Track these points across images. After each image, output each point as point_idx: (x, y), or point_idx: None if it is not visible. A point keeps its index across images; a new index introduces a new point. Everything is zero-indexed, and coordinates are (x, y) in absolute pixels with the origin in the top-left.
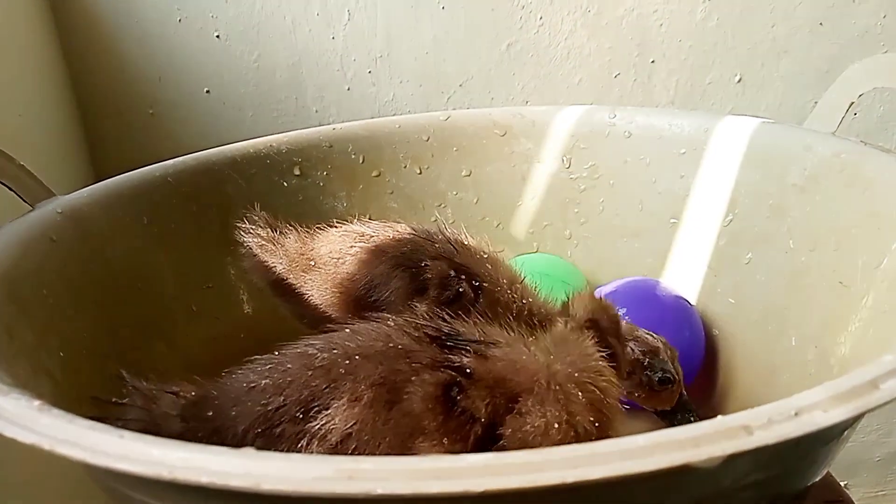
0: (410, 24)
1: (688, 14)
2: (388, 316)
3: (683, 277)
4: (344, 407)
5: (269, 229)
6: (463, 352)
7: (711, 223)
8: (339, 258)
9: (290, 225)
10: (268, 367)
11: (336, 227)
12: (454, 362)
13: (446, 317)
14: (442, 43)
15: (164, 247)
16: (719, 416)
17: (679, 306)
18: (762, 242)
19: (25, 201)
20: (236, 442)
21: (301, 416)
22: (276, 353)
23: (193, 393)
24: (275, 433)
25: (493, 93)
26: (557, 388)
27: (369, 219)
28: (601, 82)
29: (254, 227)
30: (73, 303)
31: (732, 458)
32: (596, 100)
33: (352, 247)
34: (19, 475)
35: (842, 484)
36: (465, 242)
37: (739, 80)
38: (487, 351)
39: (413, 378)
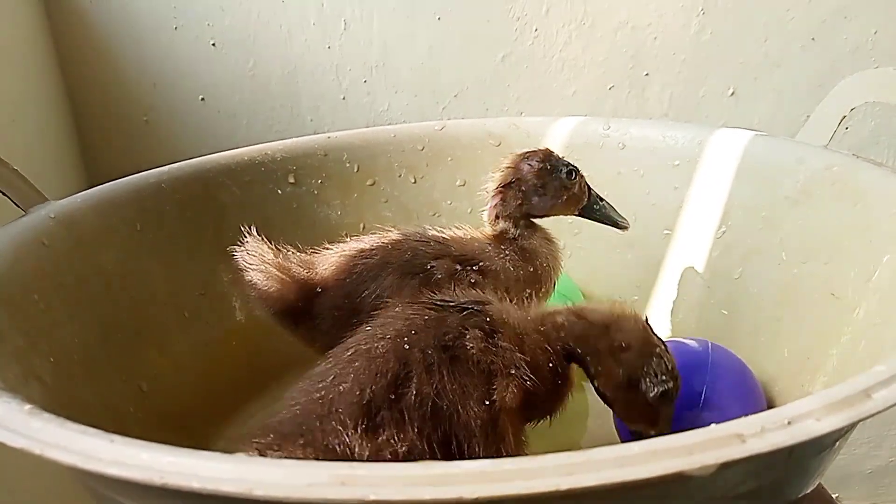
0: (406, 34)
1: (682, 28)
2: (393, 304)
3: (676, 289)
4: (424, 373)
5: (274, 258)
6: (473, 311)
7: (704, 235)
8: (345, 278)
9: (291, 249)
10: (330, 378)
11: (329, 248)
12: (476, 317)
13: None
14: (437, 53)
15: (156, 253)
16: (713, 425)
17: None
18: (755, 254)
19: (18, 206)
20: (343, 456)
21: (393, 396)
22: (317, 372)
23: (270, 435)
24: (375, 422)
25: (488, 103)
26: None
27: (363, 228)
28: (595, 94)
29: (258, 256)
30: (64, 308)
31: (725, 467)
32: (590, 111)
33: (355, 265)
34: (6, 479)
35: (833, 496)
36: (452, 234)
37: (733, 94)
38: (488, 306)
39: (459, 335)
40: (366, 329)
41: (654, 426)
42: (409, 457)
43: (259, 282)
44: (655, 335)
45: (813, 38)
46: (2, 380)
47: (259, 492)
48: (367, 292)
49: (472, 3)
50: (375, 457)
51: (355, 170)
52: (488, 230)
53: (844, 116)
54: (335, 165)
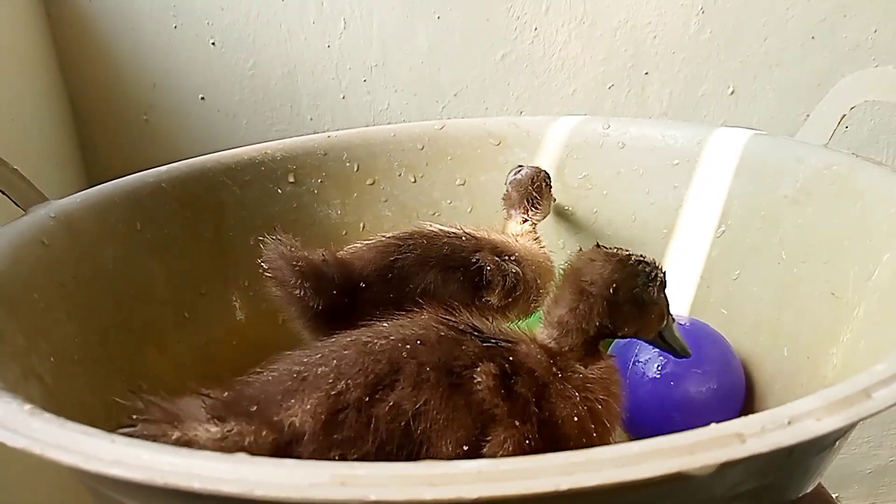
0: (406, 33)
1: (681, 27)
2: (418, 309)
3: (676, 288)
4: (410, 388)
5: (308, 256)
6: (496, 345)
7: (704, 234)
8: (387, 274)
9: (320, 250)
10: (317, 356)
11: (360, 245)
12: (498, 353)
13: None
14: (437, 52)
15: (156, 253)
16: (713, 424)
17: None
18: (754, 254)
19: (18, 205)
20: (288, 436)
21: (367, 399)
22: (314, 346)
23: (225, 393)
24: (337, 419)
25: (488, 102)
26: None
27: (363, 228)
28: (595, 93)
29: (291, 255)
30: (64, 307)
31: (725, 467)
32: (590, 110)
33: (395, 260)
34: (7, 479)
35: (833, 496)
36: (473, 231)
37: (732, 93)
38: (515, 346)
39: (471, 365)
40: (381, 324)
41: (666, 318)
42: None
43: (295, 281)
44: (609, 249)
45: (812, 37)
46: (2, 380)
47: (259, 492)
48: (411, 286)
49: (471, 2)
50: (321, 456)
51: (355, 169)
52: (506, 228)
53: (844, 115)
54: (335, 164)
